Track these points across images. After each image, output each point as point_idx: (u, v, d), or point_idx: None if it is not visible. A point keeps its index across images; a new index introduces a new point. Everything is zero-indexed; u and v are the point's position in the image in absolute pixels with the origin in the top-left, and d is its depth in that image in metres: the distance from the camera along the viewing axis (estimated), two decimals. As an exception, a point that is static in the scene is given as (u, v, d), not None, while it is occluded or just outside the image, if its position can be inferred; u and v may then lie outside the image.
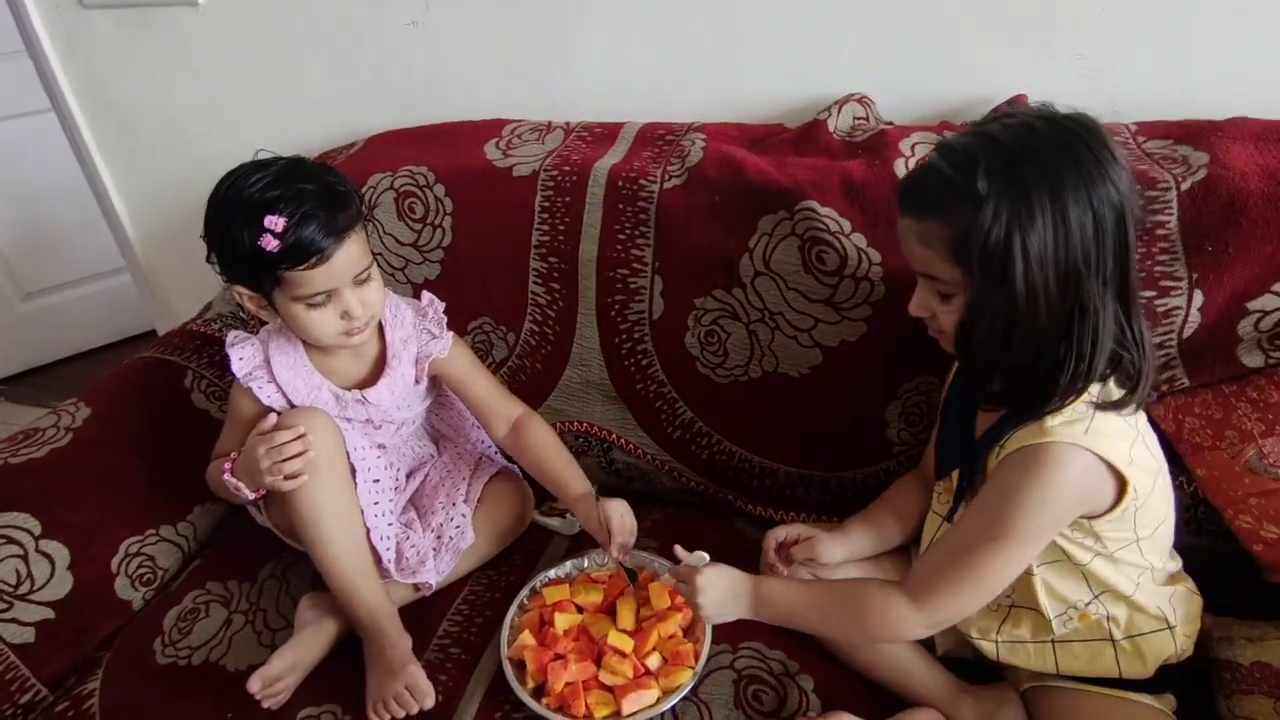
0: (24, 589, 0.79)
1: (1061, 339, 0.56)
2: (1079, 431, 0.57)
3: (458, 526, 0.87)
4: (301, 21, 1.14)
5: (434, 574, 0.84)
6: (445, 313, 0.93)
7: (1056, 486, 0.58)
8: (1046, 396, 0.58)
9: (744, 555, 0.87)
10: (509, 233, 0.95)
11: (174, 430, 0.96)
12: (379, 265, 1.00)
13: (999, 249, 0.54)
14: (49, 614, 0.80)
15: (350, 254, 0.75)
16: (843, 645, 0.75)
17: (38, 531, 0.82)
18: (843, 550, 0.77)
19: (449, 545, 0.86)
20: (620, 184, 0.92)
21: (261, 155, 0.77)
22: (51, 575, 0.81)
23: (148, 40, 1.22)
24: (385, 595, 0.80)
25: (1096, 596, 0.65)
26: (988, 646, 0.70)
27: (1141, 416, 0.63)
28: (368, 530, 0.82)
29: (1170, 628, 0.65)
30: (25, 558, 0.80)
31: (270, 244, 0.70)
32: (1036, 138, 0.55)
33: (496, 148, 1.00)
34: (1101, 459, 0.58)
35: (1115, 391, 0.60)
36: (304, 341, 0.83)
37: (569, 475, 0.88)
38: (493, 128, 1.04)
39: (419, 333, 0.88)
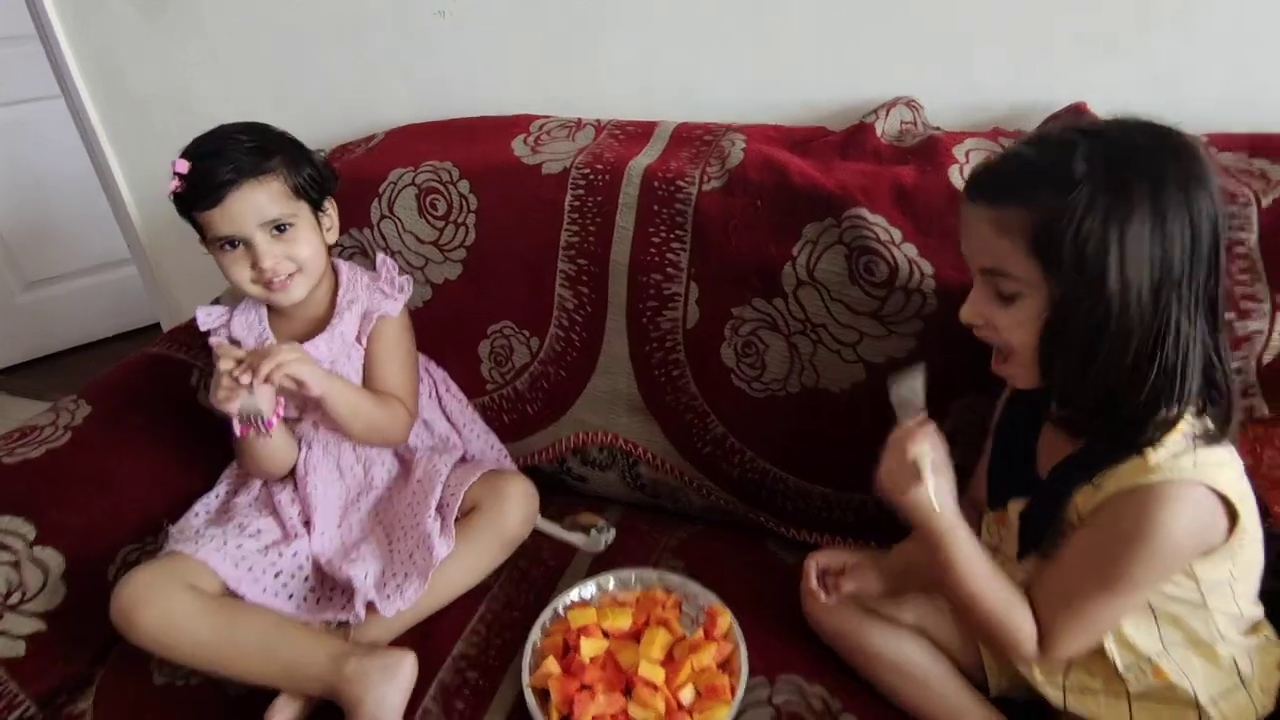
0: (15, 599, 0.75)
1: (1149, 357, 0.51)
2: (1187, 465, 0.52)
3: (425, 535, 0.80)
4: (324, 8, 1.10)
5: (391, 604, 0.77)
6: (464, 314, 0.89)
7: (1173, 530, 0.53)
8: (1136, 423, 0.53)
9: (775, 579, 0.84)
10: (536, 233, 0.91)
11: (177, 430, 0.92)
12: (399, 264, 0.97)
13: (1093, 240, 0.49)
14: (41, 626, 0.75)
15: (252, 201, 0.77)
16: (891, 682, 0.70)
17: (32, 537, 0.77)
18: (891, 581, 0.72)
19: (414, 564, 0.79)
20: (656, 184, 0.87)
21: None
22: (45, 584, 0.77)
23: (164, 25, 1.18)
24: (329, 643, 0.74)
25: (1168, 649, 0.60)
26: (1054, 694, 0.65)
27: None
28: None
29: (1244, 683, 0.60)
30: (17, 565, 0.76)
31: (174, 184, 0.77)
32: (1136, 135, 0.53)
33: (525, 144, 0.96)
34: (1215, 492, 0.53)
35: (1208, 421, 0.55)
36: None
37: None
38: (520, 123, 1.00)
39: (371, 293, 0.90)
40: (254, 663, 0.72)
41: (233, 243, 0.78)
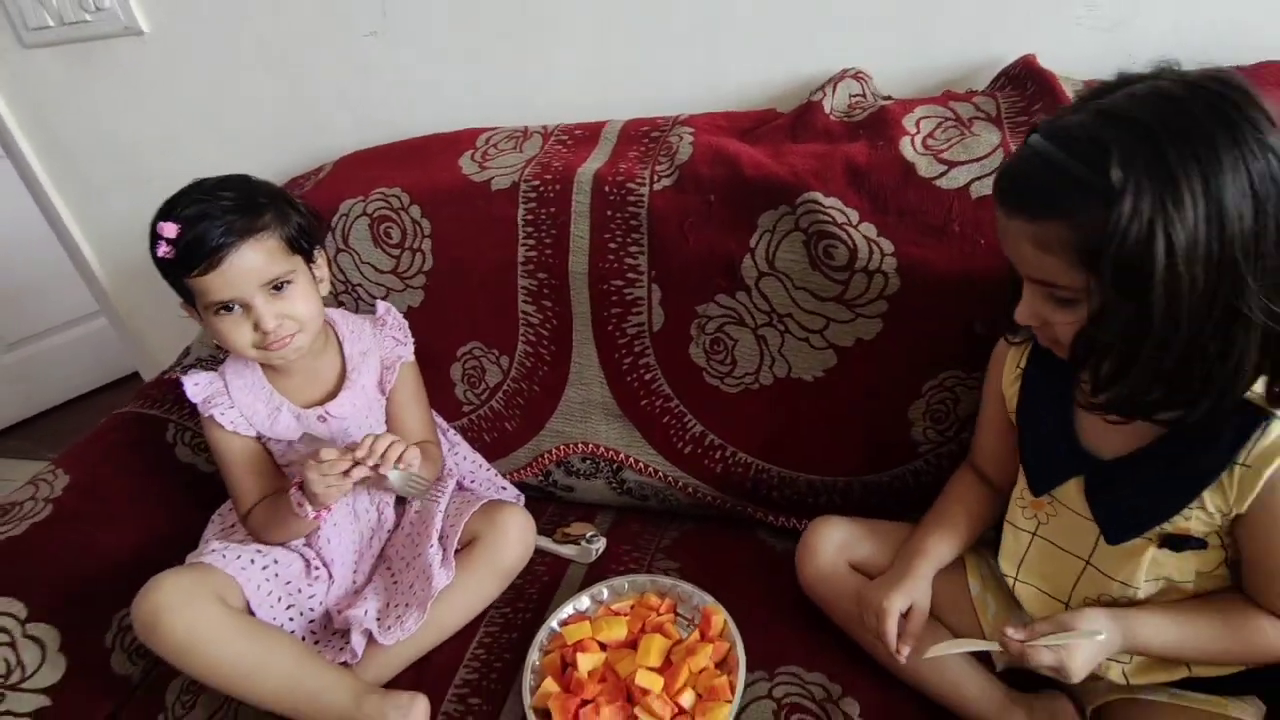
0: (15, 678, 0.75)
1: (1214, 344, 0.48)
2: None
3: (426, 565, 0.80)
4: (253, 42, 1.07)
5: (391, 634, 0.77)
6: (432, 340, 0.88)
7: None
8: (1202, 402, 0.50)
9: (768, 568, 0.84)
10: (492, 251, 0.90)
11: (160, 489, 0.92)
12: (359, 296, 0.96)
13: (1139, 248, 0.45)
14: (44, 701, 0.76)
15: (251, 260, 0.72)
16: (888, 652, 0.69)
17: (24, 615, 0.77)
18: (929, 581, 0.69)
19: (414, 595, 0.79)
20: (607, 189, 0.86)
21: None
22: (43, 660, 0.77)
23: (95, 75, 1.15)
24: (349, 679, 0.74)
25: None
26: (1115, 670, 0.63)
27: None
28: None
29: None
30: (13, 645, 0.76)
31: (162, 249, 0.70)
32: (1177, 108, 0.46)
33: (472, 160, 0.94)
34: None
35: None
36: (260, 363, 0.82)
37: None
38: (466, 138, 0.98)
39: (380, 341, 0.88)
40: (278, 689, 0.71)
41: (229, 306, 0.73)
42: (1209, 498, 0.55)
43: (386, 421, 0.89)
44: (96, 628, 0.81)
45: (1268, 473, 0.52)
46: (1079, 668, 0.57)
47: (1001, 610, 0.70)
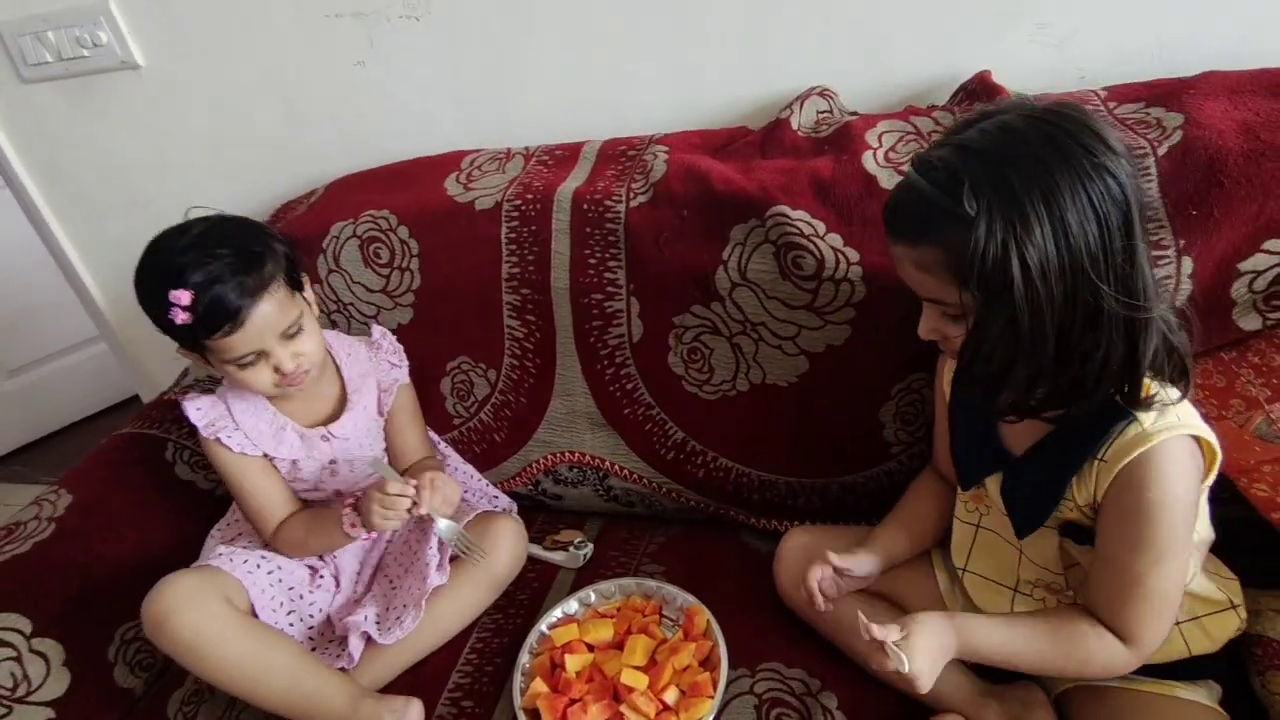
0: (21, 691, 0.77)
1: (1084, 345, 0.53)
2: (1174, 420, 0.55)
3: (424, 566, 0.83)
4: (246, 73, 1.11)
5: (390, 634, 0.79)
6: (422, 355, 0.91)
7: (1184, 480, 0.56)
8: (1098, 398, 0.55)
9: (751, 570, 0.87)
10: (478, 268, 0.93)
11: (160, 506, 0.94)
12: (351, 315, 1.00)
13: (997, 266, 0.50)
14: (50, 714, 0.78)
15: (266, 313, 0.74)
16: (860, 649, 0.72)
17: (29, 630, 0.80)
18: (878, 561, 0.73)
19: (411, 596, 0.82)
20: (585, 207, 0.89)
21: (194, 213, 0.77)
22: (47, 674, 0.79)
23: (93, 108, 1.19)
24: (347, 683, 0.77)
25: None
26: None
27: None
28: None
29: (1234, 606, 0.64)
30: (19, 659, 0.78)
31: (180, 317, 0.71)
32: (1018, 140, 0.52)
33: (457, 182, 0.98)
34: (1196, 437, 0.56)
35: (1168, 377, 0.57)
36: None
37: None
38: (451, 161, 1.02)
39: (377, 364, 0.91)
40: (279, 689, 0.74)
41: (249, 356, 0.75)
42: (1077, 491, 0.59)
43: (386, 441, 0.92)
44: (100, 642, 0.84)
45: (1117, 468, 0.56)
46: (922, 673, 0.57)
47: (969, 605, 0.73)
